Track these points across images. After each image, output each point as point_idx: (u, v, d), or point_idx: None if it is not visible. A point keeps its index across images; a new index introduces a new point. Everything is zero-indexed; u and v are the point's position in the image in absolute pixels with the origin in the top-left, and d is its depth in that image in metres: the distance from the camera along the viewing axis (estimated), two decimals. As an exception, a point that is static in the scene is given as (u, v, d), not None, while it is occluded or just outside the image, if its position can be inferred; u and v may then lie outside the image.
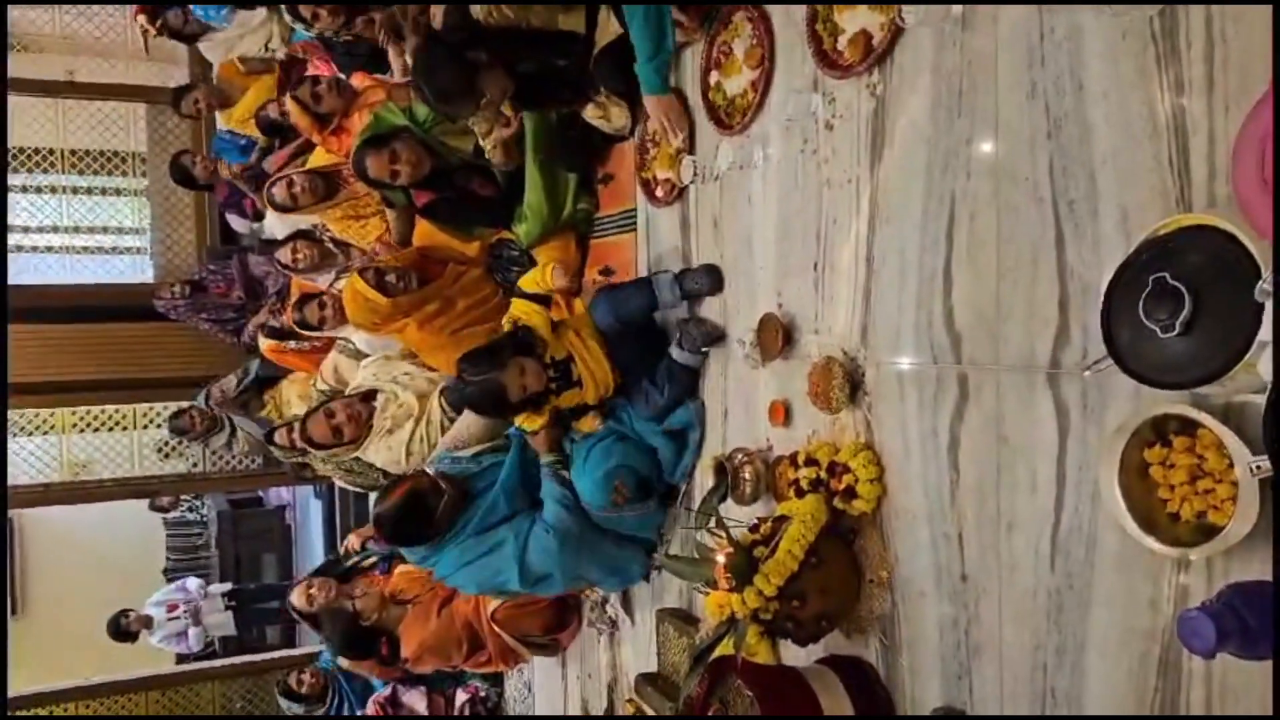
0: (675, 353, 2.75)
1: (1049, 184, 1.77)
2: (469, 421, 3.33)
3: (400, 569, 4.21)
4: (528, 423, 2.95)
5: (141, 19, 5.22)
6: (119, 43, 6.93)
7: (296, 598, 4.29)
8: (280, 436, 4.41)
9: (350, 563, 4.55)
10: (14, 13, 6.68)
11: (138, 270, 7.26)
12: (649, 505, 2.94)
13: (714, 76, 2.68)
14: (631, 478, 2.89)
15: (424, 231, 3.80)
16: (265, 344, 4.85)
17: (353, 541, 4.65)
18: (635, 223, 3.20)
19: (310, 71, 4.53)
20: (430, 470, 3.20)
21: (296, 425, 4.39)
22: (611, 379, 2.87)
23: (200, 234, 7.15)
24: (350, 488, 5.14)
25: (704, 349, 2.70)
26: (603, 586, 3.24)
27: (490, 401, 2.77)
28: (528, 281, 3.06)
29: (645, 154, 3.08)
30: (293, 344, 4.81)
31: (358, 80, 4.09)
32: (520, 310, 2.96)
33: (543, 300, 3.06)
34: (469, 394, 2.79)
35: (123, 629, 6.46)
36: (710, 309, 2.77)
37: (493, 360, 2.74)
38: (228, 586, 7.94)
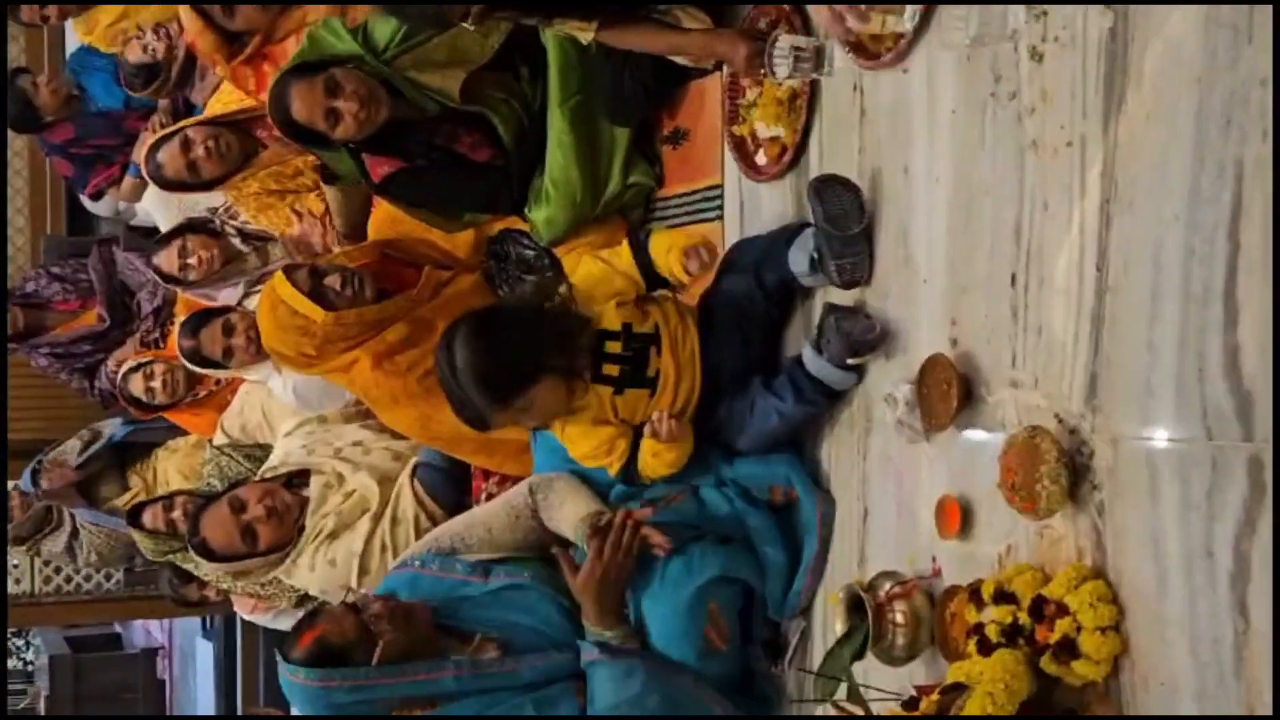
0: (808, 356, 2.75)
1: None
2: (491, 516, 3.23)
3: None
4: (574, 443, 2.96)
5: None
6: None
7: None
8: (150, 517, 4.48)
9: None
10: None
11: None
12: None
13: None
14: (734, 604, 2.89)
15: (386, 218, 3.86)
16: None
17: None
18: (721, 205, 3.22)
19: None
20: (377, 589, 3.18)
21: (179, 502, 4.44)
22: (699, 388, 2.92)
23: (37, 219, 7.33)
24: (259, 620, 5.21)
25: (852, 360, 2.69)
26: None
27: (466, 420, 2.86)
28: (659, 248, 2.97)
29: (738, 98, 3.11)
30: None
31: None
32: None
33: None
34: (449, 389, 2.85)
35: None
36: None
37: (499, 381, 2.79)
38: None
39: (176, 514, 4.49)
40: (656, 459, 2.89)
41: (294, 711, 3.18)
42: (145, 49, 4.96)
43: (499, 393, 2.79)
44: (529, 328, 2.86)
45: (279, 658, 2.89)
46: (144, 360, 4.94)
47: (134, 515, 4.59)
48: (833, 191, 2.68)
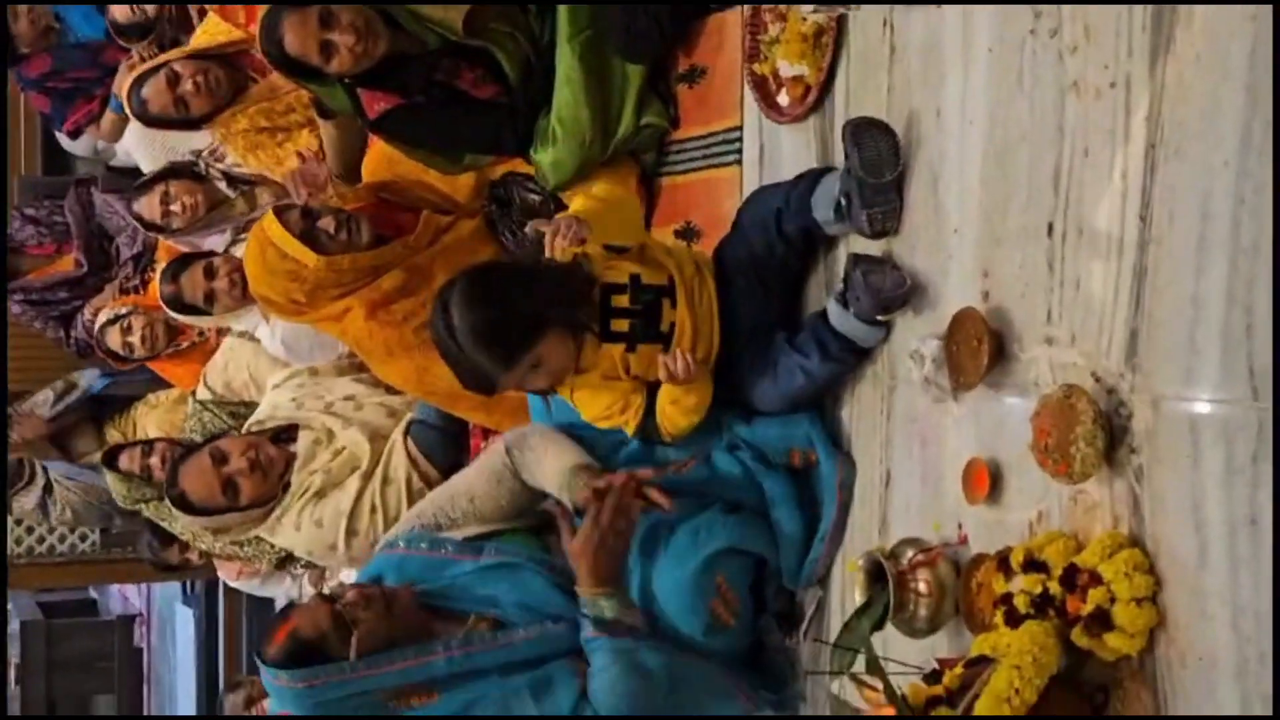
0: (833, 311, 2.75)
1: None
2: (473, 481, 3.23)
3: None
4: (585, 405, 2.95)
5: None
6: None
7: None
8: (127, 460, 4.49)
9: None
10: None
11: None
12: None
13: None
14: (743, 576, 2.90)
15: (382, 159, 3.86)
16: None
17: None
18: (740, 149, 3.22)
19: None
20: (362, 574, 3.19)
21: (159, 448, 4.46)
22: (717, 344, 2.92)
23: (11, 159, 7.32)
24: (246, 587, 5.24)
25: (881, 316, 2.69)
26: None
27: (468, 382, 2.86)
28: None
29: (760, 34, 3.10)
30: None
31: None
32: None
33: None
34: (446, 349, 2.82)
35: None
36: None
37: (506, 340, 2.76)
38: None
39: (155, 460, 4.53)
40: (675, 406, 2.87)
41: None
42: (134, 9, 4.96)
43: (504, 350, 2.76)
44: (528, 280, 2.84)
45: (258, 661, 2.87)
46: (121, 312, 4.94)
47: (110, 457, 4.61)
48: (870, 136, 2.66)
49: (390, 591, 2.90)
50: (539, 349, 2.77)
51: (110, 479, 4.65)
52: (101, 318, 5.01)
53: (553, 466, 3.02)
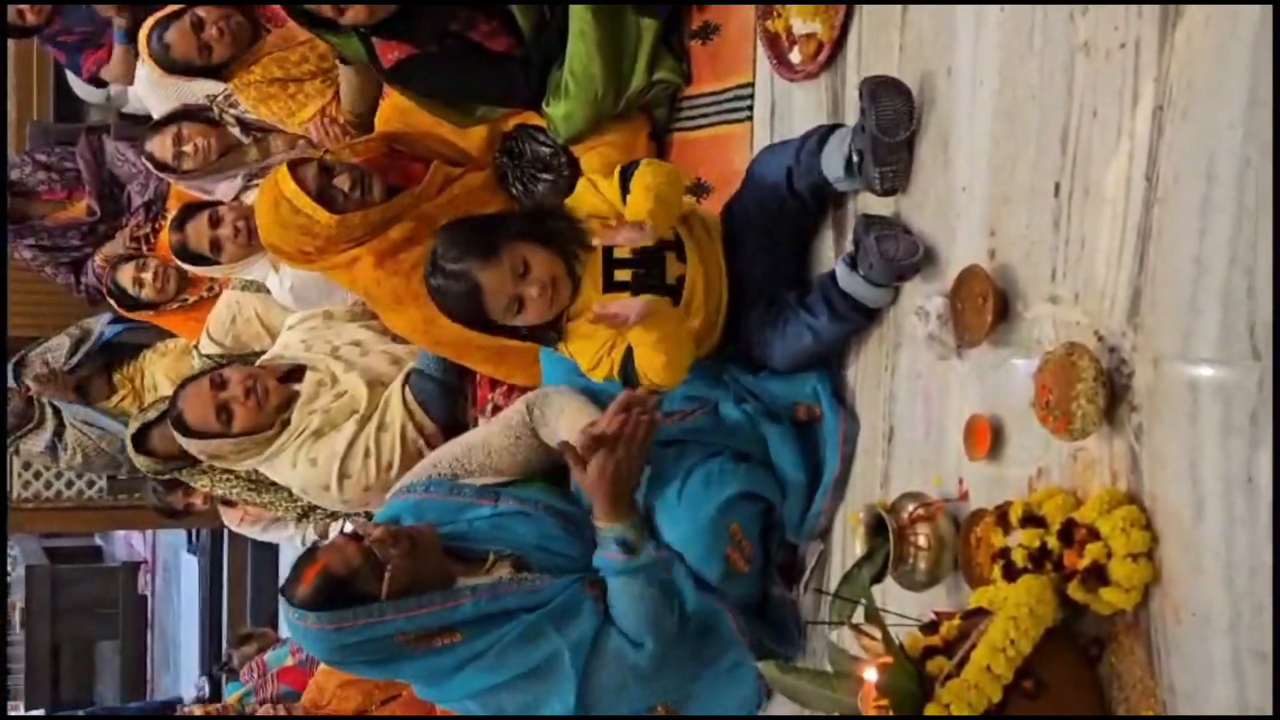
0: (841, 272, 2.75)
1: None
2: (491, 435, 3.26)
3: (324, 669, 4.31)
4: (579, 354, 2.95)
5: None
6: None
7: None
8: (159, 440, 4.48)
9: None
10: None
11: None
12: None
13: None
14: (756, 524, 2.93)
15: (394, 110, 3.86)
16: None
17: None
18: (751, 106, 3.22)
19: None
20: (378, 516, 3.19)
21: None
22: (725, 301, 2.93)
23: (23, 104, 7.33)
24: (248, 532, 5.26)
25: (890, 282, 2.70)
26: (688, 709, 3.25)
27: (462, 308, 2.88)
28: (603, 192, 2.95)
29: (775, -10, 3.10)
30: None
31: None
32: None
33: None
34: (437, 287, 2.88)
35: None
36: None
37: (480, 239, 2.81)
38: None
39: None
40: (641, 347, 2.84)
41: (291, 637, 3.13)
42: None
43: (482, 243, 2.80)
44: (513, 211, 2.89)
45: (284, 603, 2.86)
46: (139, 255, 4.97)
47: (139, 437, 4.46)
48: (887, 95, 2.65)
49: (413, 530, 2.91)
50: (520, 247, 2.80)
51: (139, 461, 4.53)
52: (117, 252, 5.04)
53: (572, 420, 3.05)
